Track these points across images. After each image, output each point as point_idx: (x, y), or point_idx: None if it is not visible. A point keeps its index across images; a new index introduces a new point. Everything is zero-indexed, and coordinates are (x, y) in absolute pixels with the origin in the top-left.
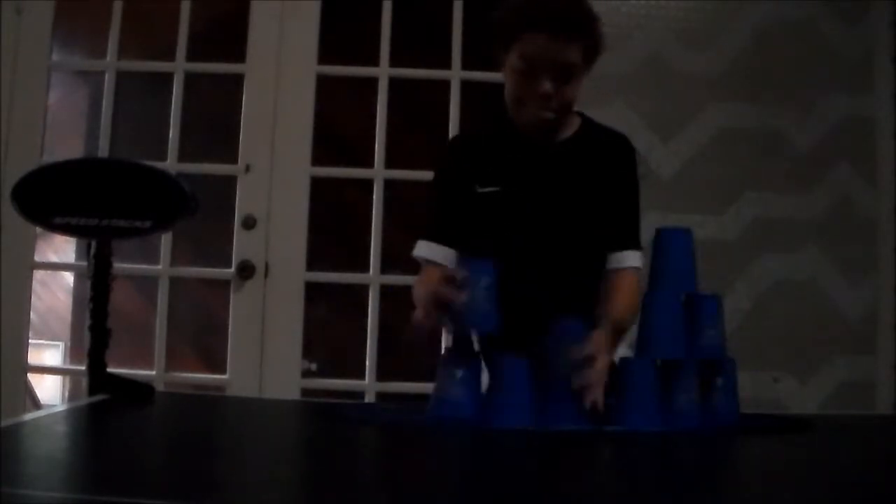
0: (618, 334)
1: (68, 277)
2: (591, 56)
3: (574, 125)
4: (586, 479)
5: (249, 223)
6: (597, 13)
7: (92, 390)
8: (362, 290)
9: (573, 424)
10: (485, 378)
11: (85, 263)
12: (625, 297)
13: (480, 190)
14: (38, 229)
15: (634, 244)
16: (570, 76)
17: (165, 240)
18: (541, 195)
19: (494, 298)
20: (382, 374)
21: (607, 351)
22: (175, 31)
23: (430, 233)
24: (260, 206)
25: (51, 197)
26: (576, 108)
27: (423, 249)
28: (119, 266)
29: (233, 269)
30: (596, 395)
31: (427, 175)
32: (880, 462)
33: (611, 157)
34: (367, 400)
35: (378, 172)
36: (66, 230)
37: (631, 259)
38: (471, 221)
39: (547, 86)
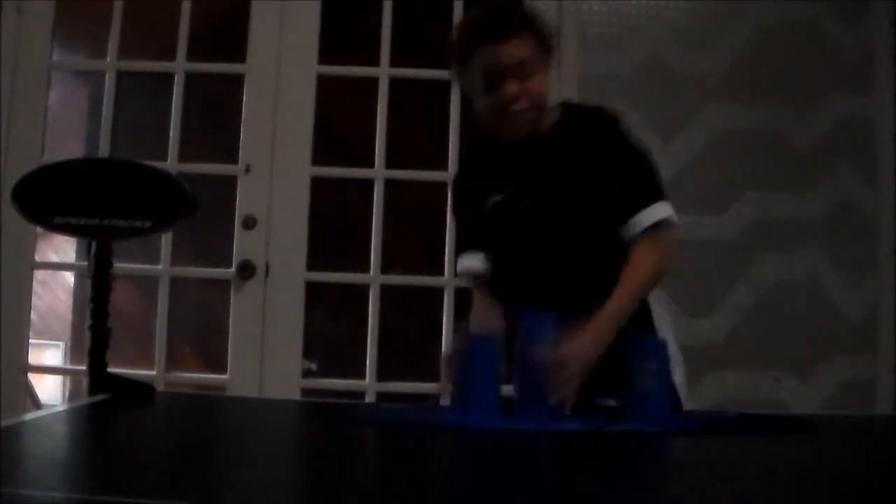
0: (616, 322)
1: (68, 277)
2: (543, 48)
3: (554, 116)
4: (587, 480)
5: (249, 223)
6: (530, 5)
7: (92, 390)
8: (362, 290)
9: (575, 425)
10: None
11: (85, 263)
12: (628, 277)
13: (490, 202)
14: (39, 229)
15: (651, 198)
16: (529, 71)
17: (165, 240)
18: (542, 190)
19: (492, 383)
20: (382, 374)
21: (594, 346)
22: (175, 31)
23: (464, 244)
24: (260, 206)
25: (51, 197)
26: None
27: (464, 262)
28: (119, 266)
29: (233, 269)
30: (564, 396)
31: (427, 175)
32: (880, 462)
33: (595, 129)
34: (367, 400)
35: (378, 172)
36: (66, 230)
37: (645, 218)
38: (488, 235)
39: (510, 88)
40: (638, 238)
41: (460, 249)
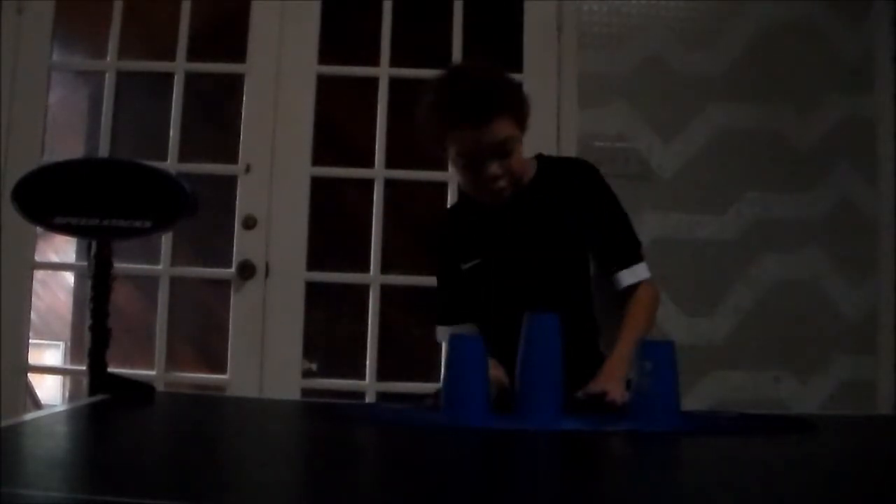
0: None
1: (68, 277)
2: (521, 119)
3: (531, 172)
4: (589, 480)
5: (249, 223)
6: (506, 77)
7: (92, 390)
8: (362, 290)
9: (575, 425)
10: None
11: (85, 263)
12: (629, 324)
13: (465, 266)
14: (39, 229)
15: (632, 259)
16: (509, 149)
17: (165, 240)
18: (519, 251)
19: (483, 382)
20: (382, 374)
21: (618, 380)
22: (175, 31)
23: (440, 317)
24: (260, 206)
25: (51, 197)
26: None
27: (440, 334)
28: (119, 266)
29: (233, 269)
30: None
31: (427, 175)
32: (880, 462)
33: (574, 182)
34: (367, 400)
35: (378, 172)
36: (66, 230)
37: (629, 277)
38: (469, 298)
39: (492, 169)
40: (631, 288)
41: (438, 321)
